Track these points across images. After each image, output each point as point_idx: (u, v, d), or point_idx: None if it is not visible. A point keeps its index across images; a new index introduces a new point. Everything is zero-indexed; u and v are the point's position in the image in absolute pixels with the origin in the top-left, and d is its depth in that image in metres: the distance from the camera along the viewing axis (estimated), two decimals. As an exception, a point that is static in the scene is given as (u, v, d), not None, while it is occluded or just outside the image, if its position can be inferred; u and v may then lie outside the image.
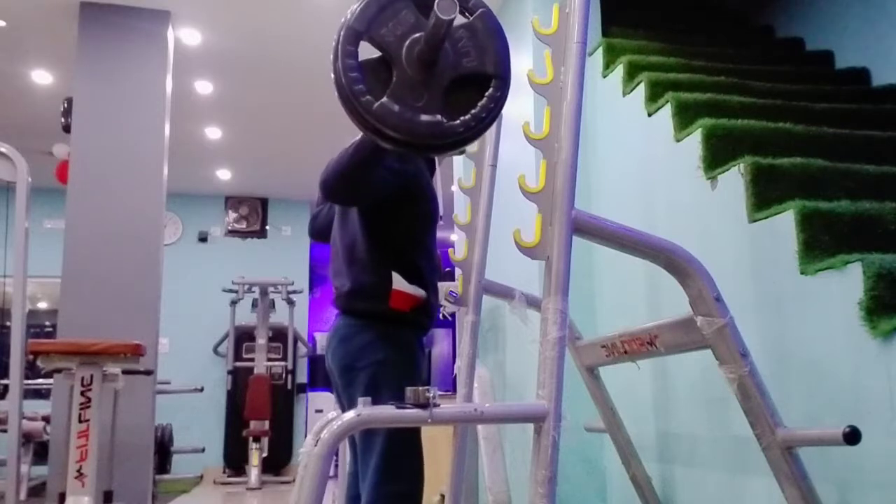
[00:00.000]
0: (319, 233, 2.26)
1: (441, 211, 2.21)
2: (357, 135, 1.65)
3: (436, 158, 2.20)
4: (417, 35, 1.34)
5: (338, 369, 1.94)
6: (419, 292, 1.92)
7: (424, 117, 1.33)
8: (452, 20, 1.29)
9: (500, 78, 1.40)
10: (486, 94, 1.38)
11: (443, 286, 2.32)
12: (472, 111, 1.36)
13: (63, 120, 4.16)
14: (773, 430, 1.61)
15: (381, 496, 1.80)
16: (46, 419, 4.44)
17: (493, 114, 1.39)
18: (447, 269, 4.65)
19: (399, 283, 1.88)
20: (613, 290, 3.09)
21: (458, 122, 1.35)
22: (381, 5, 1.36)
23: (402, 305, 1.89)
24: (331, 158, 1.84)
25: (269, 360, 7.03)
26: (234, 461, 6.89)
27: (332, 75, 1.35)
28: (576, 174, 1.46)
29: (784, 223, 1.97)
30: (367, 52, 1.37)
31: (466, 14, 1.41)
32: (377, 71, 1.34)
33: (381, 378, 1.83)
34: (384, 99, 1.32)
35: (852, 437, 1.50)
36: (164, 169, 4.12)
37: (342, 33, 1.34)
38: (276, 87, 5.23)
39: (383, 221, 1.92)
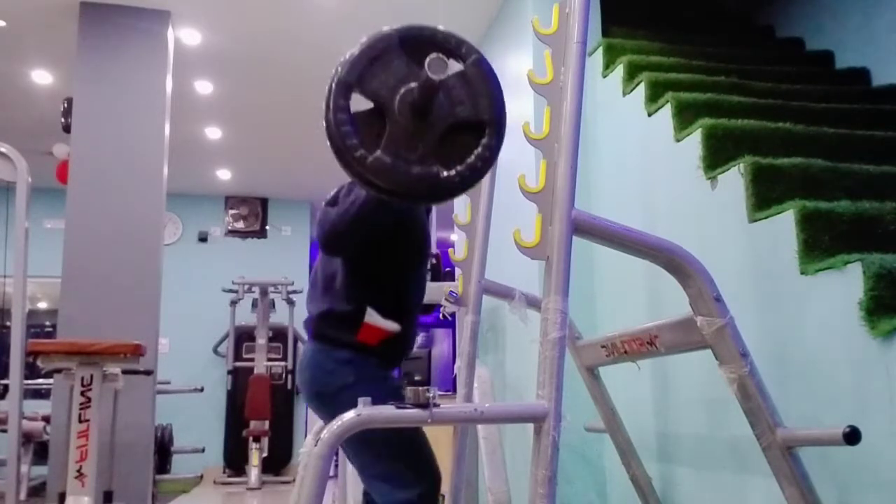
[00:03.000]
0: None
1: (433, 248, 2.20)
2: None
3: None
4: (410, 85, 1.32)
5: (306, 395, 1.95)
6: (392, 327, 1.90)
7: (419, 169, 1.32)
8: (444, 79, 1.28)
9: (495, 125, 1.38)
10: (482, 141, 1.35)
11: (443, 286, 2.32)
12: (468, 160, 1.34)
13: (63, 120, 4.16)
14: (773, 430, 1.61)
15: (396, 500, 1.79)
16: (46, 419, 4.43)
17: (488, 162, 1.37)
18: (447, 269, 4.65)
19: (371, 316, 1.88)
20: (613, 290, 3.09)
21: (453, 172, 1.33)
22: (371, 57, 1.34)
23: (370, 339, 1.88)
24: (327, 211, 1.84)
25: (269, 360, 7.03)
26: (234, 461, 6.89)
27: (325, 127, 1.34)
28: (576, 174, 1.46)
29: (784, 223, 1.97)
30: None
31: (460, 61, 1.39)
32: (370, 123, 1.33)
33: (346, 405, 1.82)
34: (378, 153, 1.30)
35: (852, 437, 1.50)
36: (164, 169, 4.12)
37: (333, 86, 1.33)
38: (276, 87, 5.23)
39: (368, 255, 1.90)
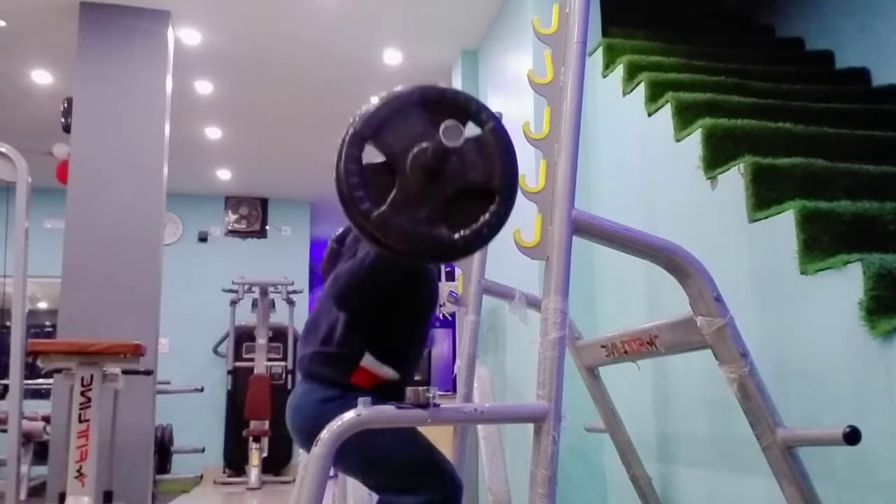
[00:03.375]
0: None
1: (440, 300, 2.16)
2: None
3: None
4: (424, 145, 1.31)
5: (296, 437, 1.89)
6: (389, 374, 1.86)
7: (424, 229, 1.31)
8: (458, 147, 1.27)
9: (506, 193, 1.36)
10: (490, 209, 1.34)
11: (443, 286, 2.32)
12: (474, 226, 1.33)
13: (63, 120, 4.15)
14: (773, 430, 1.61)
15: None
16: (46, 419, 4.43)
17: (495, 230, 1.36)
18: (447, 269, 4.65)
19: (368, 361, 1.84)
20: (613, 290, 3.09)
21: (457, 236, 1.32)
22: (389, 111, 1.33)
23: (363, 382, 1.83)
24: (343, 269, 1.81)
25: (269, 360, 7.03)
26: (234, 461, 6.89)
27: (334, 176, 1.32)
28: (576, 174, 1.46)
29: (784, 223, 1.97)
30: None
31: (478, 125, 1.39)
32: (380, 176, 1.31)
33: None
34: (384, 208, 1.29)
35: (852, 437, 1.50)
36: (164, 169, 4.12)
37: (347, 137, 1.32)
38: (276, 87, 5.23)
39: (373, 305, 1.86)
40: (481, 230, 1.34)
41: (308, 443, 1.83)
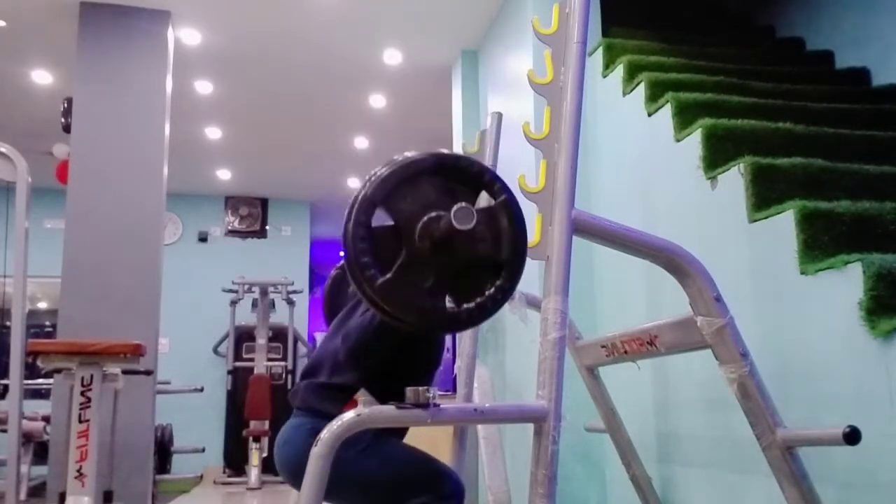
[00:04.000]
0: (331, 312, 2.19)
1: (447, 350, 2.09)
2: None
3: None
4: (434, 214, 1.30)
5: (285, 475, 1.84)
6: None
7: (427, 301, 1.31)
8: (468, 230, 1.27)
9: (513, 268, 1.36)
10: (496, 283, 1.34)
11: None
12: (478, 299, 1.33)
13: (63, 120, 4.15)
14: (773, 430, 1.61)
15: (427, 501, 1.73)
16: (46, 419, 4.43)
17: (499, 304, 1.35)
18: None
19: (364, 395, 1.77)
20: (613, 290, 3.09)
21: (462, 309, 1.32)
22: (401, 177, 1.33)
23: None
24: (351, 329, 1.77)
25: (269, 360, 7.03)
26: (234, 461, 6.89)
27: (342, 238, 1.32)
28: (576, 174, 1.46)
29: (784, 223, 1.97)
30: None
31: (490, 196, 1.38)
32: (388, 242, 1.31)
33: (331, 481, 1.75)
34: (389, 276, 1.28)
35: (852, 437, 1.50)
36: (164, 169, 4.12)
37: (358, 200, 1.31)
38: (276, 87, 5.23)
39: (378, 351, 1.82)
40: (486, 304, 1.33)
41: (294, 478, 1.77)
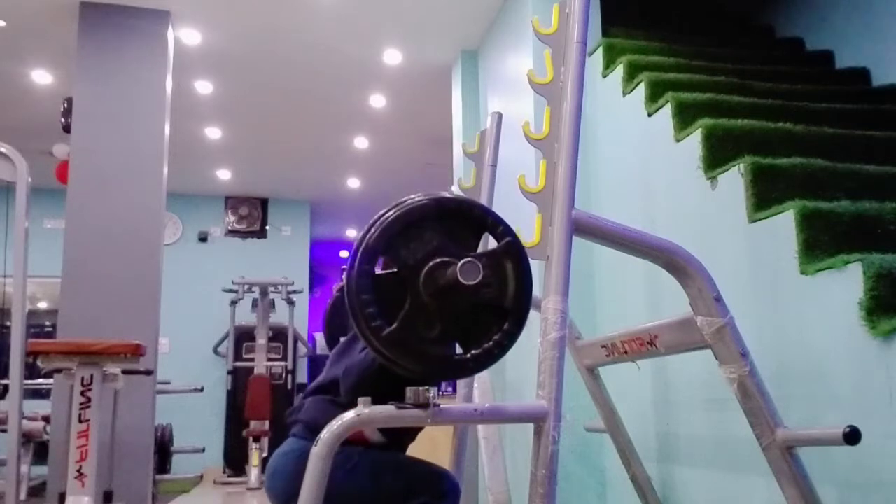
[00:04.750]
0: (333, 333, 2.18)
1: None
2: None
3: None
4: (438, 261, 1.29)
5: (276, 495, 1.82)
6: (375, 437, 1.80)
7: (434, 350, 1.30)
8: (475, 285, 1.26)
9: (518, 314, 1.35)
10: (503, 328, 1.33)
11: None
12: (485, 345, 1.32)
13: (63, 120, 4.15)
14: (773, 430, 1.61)
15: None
16: (46, 419, 4.43)
17: (505, 349, 1.34)
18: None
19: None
20: (613, 290, 3.09)
21: (468, 356, 1.31)
22: (404, 224, 1.32)
23: (353, 439, 1.72)
24: (353, 367, 1.74)
25: (269, 360, 7.03)
26: (234, 461, 6.89)
27: (345, 287, 1.31)
28: (576, 174, 1.46)
29: (784, 223, 1.97)
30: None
31: (494, 239, 1.37)
32: (392, 289, 1.29)
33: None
34: (394, 327, 1.27)
35: (852, 437, 1.50)
36: (164, 169, 4.12)
37: (360, 249, 1.31)
38: (276, 87, 5.23)
39: (378, 389, 1.83)
40: (493, 350, 1.32)
41: (282, 497, 1.78)
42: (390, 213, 1.33)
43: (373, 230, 1.32)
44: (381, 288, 1.29)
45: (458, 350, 1.34)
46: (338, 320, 2.16)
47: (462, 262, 1.25)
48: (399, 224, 1.32)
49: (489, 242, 1.41)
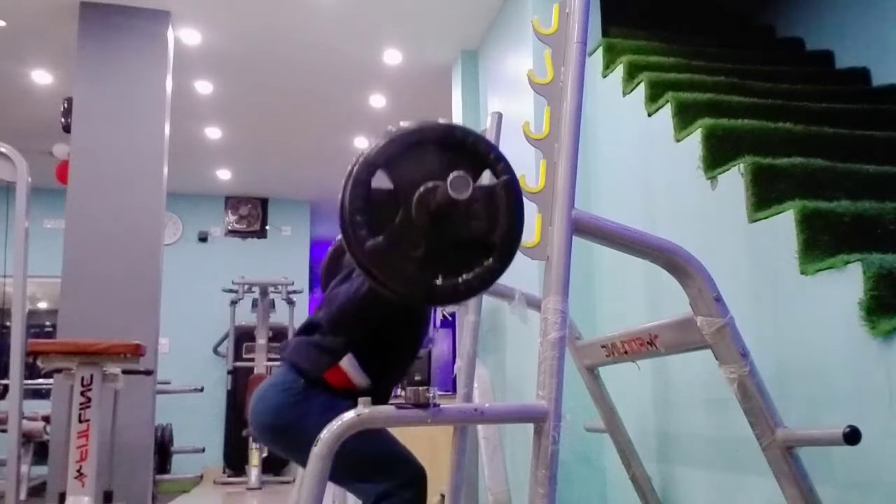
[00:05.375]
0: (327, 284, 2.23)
1: (431, 333, 2.13)
2: None
3: None
4: (433, 184, 1.28)
5: (255, 427, 1.88)
6: (361, 382, 1.84)
7: (414, 269, 1.29)
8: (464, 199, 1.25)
9: (506, 251, 1.34)
10: (485, 262, 1.32)
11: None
12: (466, 276, 1.31)
13: (63, 120, 4.16)
14: (773, 430, 1.61)
15: (388, 487, 1.78)
16: (46, 419, 4.43)
17: (486, 284, 1.34)
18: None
19: (347, 363, 1.82)
20: (613, 290, 3.09)
21: (448, 283, 1.30)
22: (407, 143, 1.32)
23: (335, 382, 1.82)
24: (339, 293, 1.80)
25: (269, 360, 7.02)
26: (234, 461, 6.88)
27: (339, 195, 1.31)
28: (576, 174, 1.46)
29: (784, 223, 1.97)
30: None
31: (492, 175, 1.36)
32: (384, 205, 1.29)
33: (296, 440, 1.74)
34: (380, 239, 1.27)
35: (852, 437, 1.50)
36: (164, 169, 4.12)
37: (360, 160, 1.31)
38: (276, 87, 5.23)
39: (367, 330, 1.86)
40: (472, 282, 1.32)
41: (261, 434, 1.86)
42: (397, 130, 1.33)
43: (374, 145, 1.32)
44: (374, 202, 1.29)
45: (440, 280, 1.33)
46: (334, 271, 2.18)
47: (453, 175, 1.23)
48: (403, 142, 1.32)
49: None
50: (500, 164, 1.37)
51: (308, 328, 1.95)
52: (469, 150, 1.36)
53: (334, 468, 1.73)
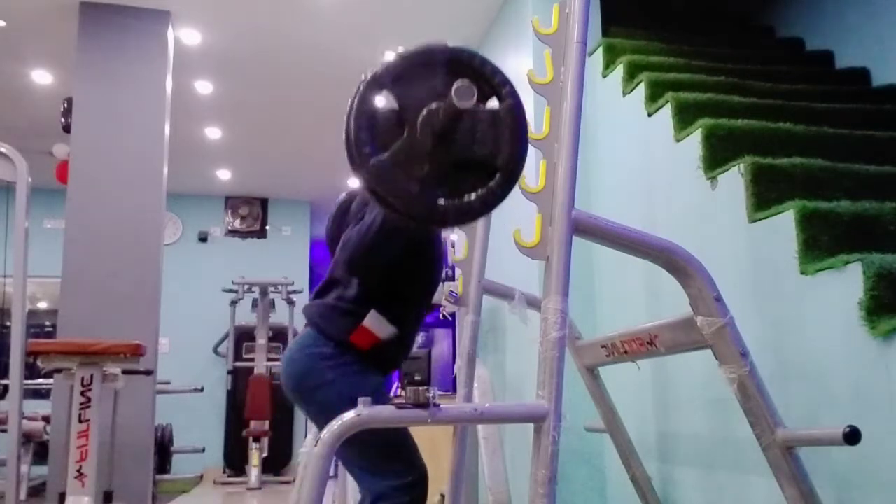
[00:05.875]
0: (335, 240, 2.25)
1: (444, 271, 2.16)
2: None
3: None
4: (437, 105, 1.29)
5: (287, 389, 1.91)
6: (388, 332, 1.87)
7: (417, 188, 1.29)
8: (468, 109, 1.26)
9: (509, 174, 1.35)
10: (489, 184, 1.33)
11: (443, 286, 2.32)
12: (468, 198, 1.32)
13: (63, 120, 4.16)
14: (773, 430, 1.61)
15: (386, 489, 1.79)
16: (46, 419, 4.43)
17: (487, 207, 1.34)
18: (447, 269, 4.65)
19: (371, 320, 1.85)
20: (613, 290, 3.09)
21: (449, 203, 1.31)
22: (413, 64, 1.33)
23: (362, 343, 1.86)
24: (352, 234, 1.82)
25: (269, 360, 7.03)
26: (234, 461, 6.89)
27: (346, 113, 1.32)
28: (576, 174, 1.46)
29: (784, 223, 1.97)
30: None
31: (497, 99, 1.37)
32: (390, 124, 1.30)
33: (324, 402, 1.81)
34: (384, 156, 1.28)
35: (852, 437, 1.50)
36: (164, 169, 4.12)
37: (367, 79, 1.32)
38: (276, 87, 5.23)
39: (383, 267, 1.88)
40: (475, 203, 1.33)
41: (293, 393, 1.90)
42: (401, 51, 1.34)
43: (381, 64, 1.33)
44: (379, 122, 1.30)
45: (444, 200, 1.34)
46: (341, 227, 2.18)
47: (457, 83, 1.24)
48: (407, 63, 1.33)
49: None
50: (505, 87, 1.38)
51: (326, 287, 1.96)
52: (475, 71, 1.36)
53: (346, 448, 1.76)
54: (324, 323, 1.89)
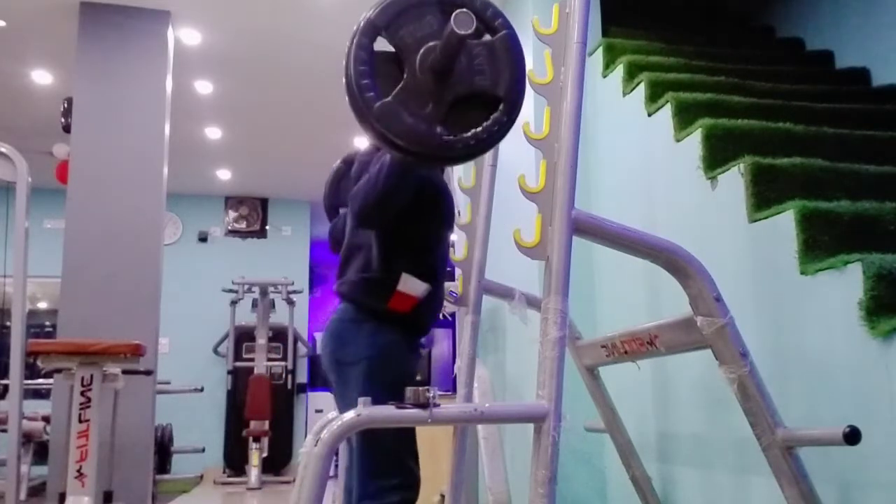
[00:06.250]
0: (340, 242, 2.25)
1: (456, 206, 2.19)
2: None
3: None
4: (434, 43, 1.31)
5: (326, 362, 1.94)
6: (423, 289, 1.89)
7: (423, 126, 1.31)
8: (468, 35, 1.27)
9: (510, 103, 1.37)
10: (493, 115, 1.35)
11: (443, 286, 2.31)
12: (475, 130, 1.34)
13: (63, 120, 4.16)
14: (773, 430, 1.61)
15: (376, 489, 1.79)
16: (46, 419, 4.44)
17: (495, 137, 1.36)
18: (447, 269, 4.65)
19: (405, 283, 1.86)
20: (613, 290, 3.09)
21: (457, 138, 1.33)
22: (405, 5, 1.34)
23: (402, 307, 1.88)
24: (358, 188, 1.82)
25: (269, 360, 7.03)
26: (234, 461, 6.89)
27: (344, 62, 1.33)
28: (576, 174, 1.46)
29: (784, 223, 1.97)
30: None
31: (491, 32, 1.39)
32: (389, 68, 1.32)
33: (368, 376, 1.82)
34: (388, 100, 1.30)
35: (852, 437, 1.50)
36: (164, 169, 4.12)
37: (361, 24, 1.33)
38: (276, 87, 5.23)
39: (397, 221, 1.88)
40: (481, 135, 1.35)
41: (334, 366, 1.91)
42: None
43: (374, 8, 1.34)
44: (379, 66, 1.31)
45: (452, 136, 1.36)
46: (338, 193, 2.19)
47: (457, 11, 1.25)
48: (400, 4, 1.34)
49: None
50: (497, 19, 1.41)
51: (347, 260, 1.97)
52: (467, 6, 1.37)
53: (362, 436, 1.76)
54: (363, 297, 1.90)
